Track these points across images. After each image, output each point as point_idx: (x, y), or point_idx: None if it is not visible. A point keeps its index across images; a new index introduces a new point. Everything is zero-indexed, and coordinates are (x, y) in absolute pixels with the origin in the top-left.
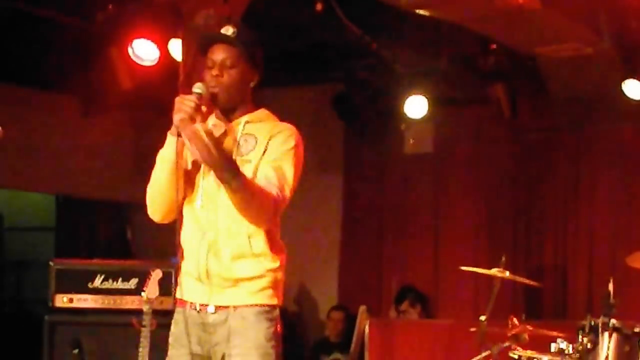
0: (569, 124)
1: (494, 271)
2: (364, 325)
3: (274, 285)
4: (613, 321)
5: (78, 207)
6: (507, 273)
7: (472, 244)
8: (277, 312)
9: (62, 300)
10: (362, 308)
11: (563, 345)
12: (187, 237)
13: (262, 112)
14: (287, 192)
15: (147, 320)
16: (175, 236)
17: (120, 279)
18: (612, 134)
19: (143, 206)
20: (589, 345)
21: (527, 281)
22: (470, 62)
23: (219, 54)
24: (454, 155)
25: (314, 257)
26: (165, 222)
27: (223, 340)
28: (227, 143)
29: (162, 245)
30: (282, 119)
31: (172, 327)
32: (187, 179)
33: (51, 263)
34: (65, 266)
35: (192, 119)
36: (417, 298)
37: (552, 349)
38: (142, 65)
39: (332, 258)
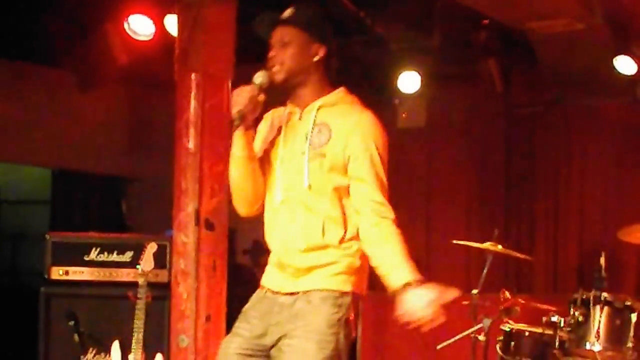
0: (560, 99)
1: (487, 245)
2: None
3: (348, 272)
4: (604, 294)
5: (73, 181)
6: (500, 247)
7: (464, 218)
8: (347, 299)
9: (57, 273)
10: None
11: (555, 318)
12: (268, 229)
13: (337, 94)
14: (388, 207)
15: (142, 292)
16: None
17: (115, 252)
18: (603, 109)
19: (138, 180)
20: (580, 319)
21: (519, 255)
22: (462, 37)
23: (275, 36)
24: (446, 130)
25: None
26: (251, 216)
27: (285, 321)
28: (301, 131)
29: (158, 219)
30: (277, 94)
31: (247, 305)
32: (265, 172)
33: (47, 236)
34: (61, 239)
35: (251, 111)
36: None
37: (544, 322)
38: (137, 40)
39: None
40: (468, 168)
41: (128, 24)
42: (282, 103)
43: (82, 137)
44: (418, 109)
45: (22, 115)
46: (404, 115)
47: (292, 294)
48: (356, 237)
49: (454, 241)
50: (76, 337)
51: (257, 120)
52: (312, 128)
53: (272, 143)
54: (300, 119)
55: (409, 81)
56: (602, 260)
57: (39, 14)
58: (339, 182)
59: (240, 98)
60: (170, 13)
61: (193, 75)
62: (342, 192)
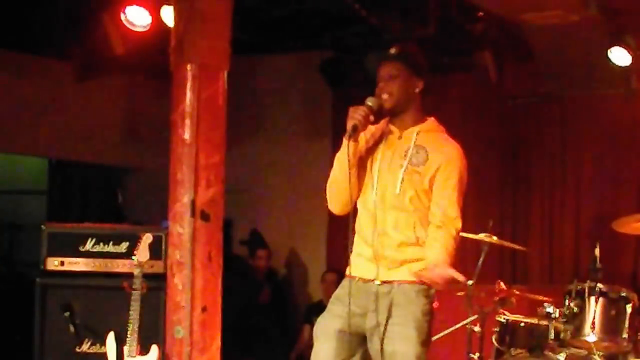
0: (555, 91)
1: (482, 236)
2: None
3: None
4: (599, 285)
5: (70, 171)
6: (495, 238)
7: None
8: (433, 291)
9: (53, 264)
10: None
11: (550, 309)
12: (362, 226)
13: (432, 123)
14: (459, 222)
15: (137, 283)
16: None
17: (111, 243)
18: (598, 100)
19: (135, 170)
20: (575, 310)
21: (514, 246)
22: (457, 29)
23: (384, 70)
24: (441, 121)
25: (303, 222)
26: (342, 214)
27: (383, 309)
28: (400, 149)
29: (153, 209)
30: (271, 85)
31: (338, 290)
32: (362, 178)
33: (43, 226)
34: (57, 229)
35: (362, 126)
36: None
37: (539, 313)
38: (134, 31)
39: (321, 223)
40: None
41: (125, 14)
42: None
43: (78, 127)
44: None
45: (18, 105)
46: None
47: (386, 282)
48: None
49: None
50: (71, 327)
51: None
52: (412, 147)
53: (368, 154)
54: (399, 138)
55: None
56: (597, 251)
57: (35, 4)
58: (426, 195)
59: (357, 114)
60: (167, 4)
61: (189, 66)
62: (426, 203)
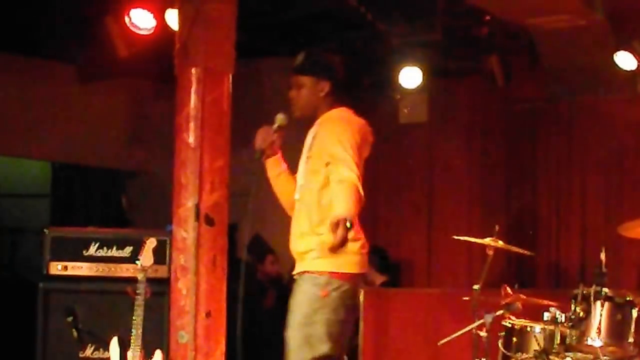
0: (561, 95)
1: (488, 240)
2: (359, 293)
3: (326, 255)
4: (605, 290)
5: (74, 175)
6: (501, 242)
7: (466, 213)
8: (323, 279)
9: (56, 268)
10: None
11: (556, 313)
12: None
13: (334, 112)
14: (355, 171)
15: (141, 288)
16: None
17: (115, 247)
18: (604, 104)
19: (138, 174)
20: (581, 314)
21: (520, 250)
22: (464, 33)
23: (293, 79)
24: (447, 125)
25: None
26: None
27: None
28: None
29: (157, 214)
30: (276, 89)
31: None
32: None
33: (46, 230)
34: (60, 234)
35: (269, 147)
36: (385, 266)
37: (545, 318)
38: (138, 34)
39: None
40: (469, 163)
41: (129, 18)
42: None
43: (82, 130)
44: (419, 104)
45: (22, 108)
46: (405, 110)
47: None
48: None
49: (455, 237)
50: (74, 332)
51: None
52: (311, 139)
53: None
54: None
55: (410, 76)
56: (603, 256)
57: (40, 8)
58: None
59: (259, 137)
60: (171, 7)
61: (193, 70)
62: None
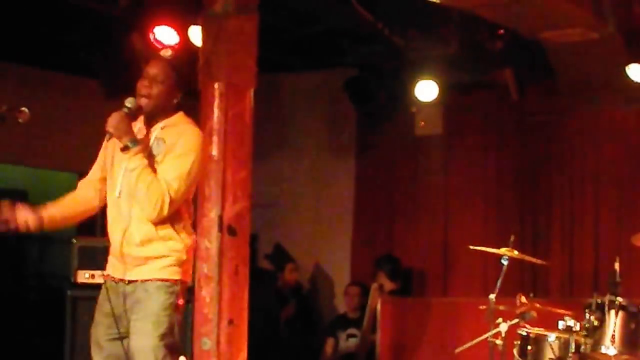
0: (575, 107)
1: (503, 250)
2: (376, 303)
3: (178, 264)
4: (619, 299)
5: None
6: (516, 252)
7: (481, 224)
8: (177, 287)
9: (84, 276)
10: (374, 286)
11: (570, 322)
12: (110, 222)
13: (177, 117)
14: (173, 192)
15: None
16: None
17: None
18: (617, 117)
19: None
20: (595, 323)
21: (534, 260)
22: (479, 47)
23: (151, 68)
24: (463, 138)
25: (327, 237)
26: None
27: (130, 308)
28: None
29: None
30: (296, 103)
31: (99, 296)
32: (110, 175)
33: (74, 240)
34: (88, 243)
35: (118, 131)
36: (396, 273)
37: (560, 327)
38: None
39: (345, 238)
40: (484, 175)
41: (153, 34)
42: None
43: None
44: (435, 117)
45: (50, 121)
46: (421, 123)
47: (132, 281)
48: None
49: (471, 247)
50: None
51: None
52: (153, 142)
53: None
54: (146, 136)
55: (426, 90)
56: (617, 265)
57: (68, 24)
58: None
59: (112, 120)
60: (194, 24)
61: (216, 85)
62: None
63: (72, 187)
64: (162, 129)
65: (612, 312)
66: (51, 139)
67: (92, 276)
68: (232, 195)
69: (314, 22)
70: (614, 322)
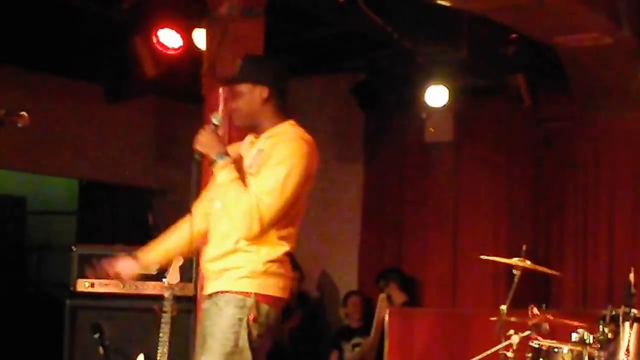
0: (588, 114)
1: (515, 260)
2: (384, 313)
3: (253, 275)
4: (634, 311)
5: (100, 192)
6: (528, 262)
7: (492, 232)
8: (249, 300)
9: (83, 285)
10: (382, 296)
11: (584, 335)
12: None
13: (283, 126)
14: (265, 207)
15: (168, 306)
16: None
17: None
18: (631, 123)
19: (165, 192)
20: (610, 335)
21: (547, 270)
22: (490, 51)
23: (233, 88)
24: (473, 144)
25: (335, 244)
26: None
27: (204, 323)
28: (250, 155)
29: None
30: (304, 107)
31: None
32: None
33: (74, 248)
34: (88, 251)
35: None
36: (403, 284)
37: (573, 339)
38: (166, 54)
39: (353, 246)
40: (496, 183)
41: (157, 37)
42: None
43: (109, 148)
44: (445, 123)
45: (50, 126)
46: (431, 129)
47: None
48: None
49: (482, 256)
50: (101, 349)
51: None
52: (255, 153)
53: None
54: (253, 146)
55: (436, 95)
56: (632, 276)
57: (69, 27)
58: None
59: (199, 137)
60: (198, 27)
61: (221, 89)
62: None
63: (72, 193)
64: (265, 139)
65: (627, 324)
66: (51, 144)
67: (92, 285)
68: None
69: (322, 25)
70: (628, 335)
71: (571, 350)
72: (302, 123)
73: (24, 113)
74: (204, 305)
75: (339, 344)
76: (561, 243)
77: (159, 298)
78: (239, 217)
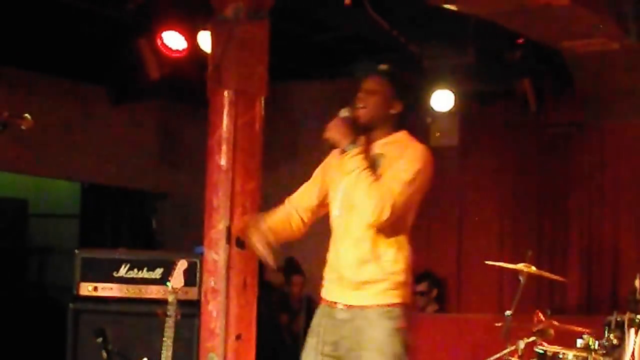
0: (594, 118)
1: (520, 266)
2: None
3: (396, 287)
4: (639, 317)
5: (103, 195)
6: (533, 268)
7: (497, 237)
8: (398, 310)
9: (86, 289)
10: None
11: (589, 340)
12: (331, 242)
13: (401, 135)
14: (397, 194)
15: (171, 310)
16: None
17: (145, 269)
18: (637, 128)
19: (168, 195)
20: (615, 341)
21: (552, 276)
22: (497, 56)
23: (367, 84)
24: (479, 149)
25: None
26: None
27: (348, 336)
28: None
29: (188, 235)
30: (308, 112)
31: (313, 320)
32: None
33: (77, 251)
34: (91, 255)
35: (342, 135)
36: (435, 283)
37: (578, 345)
38: (170, 56)
39: None
40: (501, 187)
41: (161, 40)
42: None
43: (112, 151)
44: (451, 127)
45: (53, 129)
46: (436, 134)
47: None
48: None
49: (487, 262)
50: (104, 354)
51: None
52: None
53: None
54: (366, 150)
55: (442, 99)
56: (637, 283)
57: (74, 29)
58: None
59: (330, 125)
60: (203, 29)
61: (226, 93)
62: None
63: (74, 196)
64: (384, 145)
65: (632, 330)
66: (54, 147)
67: (95, 289)
68: (241, 207)
69: (327, 29)
70: (634, 341)
71: (576, 356)
72: (306, 127)
73: (27, 116)
74: (338, 314)
75: None
76: (566, 248)
77: (162, 302)
78: (373, 201)
